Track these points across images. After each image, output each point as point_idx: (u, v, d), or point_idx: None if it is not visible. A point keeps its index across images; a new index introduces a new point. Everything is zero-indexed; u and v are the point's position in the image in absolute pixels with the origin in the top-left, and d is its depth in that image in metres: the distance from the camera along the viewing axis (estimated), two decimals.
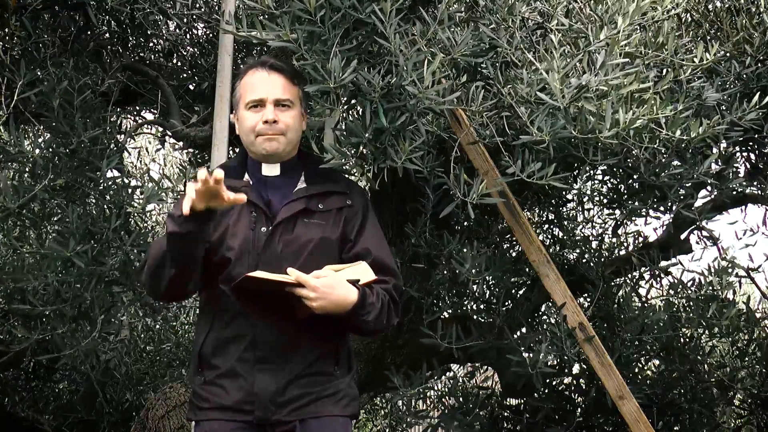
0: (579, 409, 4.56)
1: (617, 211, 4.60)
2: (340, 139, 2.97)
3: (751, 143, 4.14)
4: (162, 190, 3.93)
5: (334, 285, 2.65)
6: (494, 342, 4.00)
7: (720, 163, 3.83)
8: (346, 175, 3.03)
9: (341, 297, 2.65)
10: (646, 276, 4.72)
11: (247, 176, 2.84)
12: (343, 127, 3.05)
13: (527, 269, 4.37)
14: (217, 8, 4.76)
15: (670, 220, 4.32)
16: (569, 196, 4.84)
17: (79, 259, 3.72)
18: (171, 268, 2.65)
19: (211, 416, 2.75)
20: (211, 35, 5.01)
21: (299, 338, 2.73)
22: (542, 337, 3.70)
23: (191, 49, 5.04)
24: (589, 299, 4.55)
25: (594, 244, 4.80)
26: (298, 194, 2.81)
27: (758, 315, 4.76)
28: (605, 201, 4.55)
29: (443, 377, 5.08)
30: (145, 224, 4.41)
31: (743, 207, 4.49)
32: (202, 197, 2.53)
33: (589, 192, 4.79)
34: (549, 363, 3.74)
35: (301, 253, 2.74)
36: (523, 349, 3.77)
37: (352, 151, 2.94)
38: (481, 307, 4.48)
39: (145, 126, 5.26)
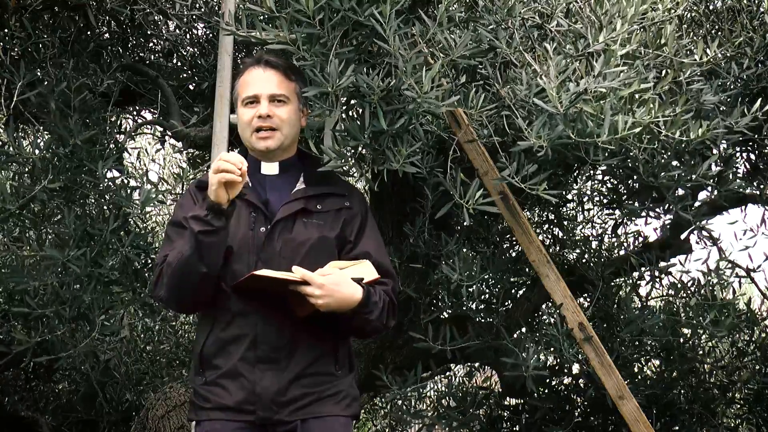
0: (578, 410, 4.56)
1: (617, 211, 4.59)
2: (339, 141, 2.97)
3: (750, 143, 4.13)
4: (160, 192, 3.92)
5: (339, 283, 2.67)
6: (491, 342, 3.99)
7: (719, 164, 3.82)
8: (346, 178, 3.04)
9: (347, 295, 2.67)
10: (646, 276, 4.71)
11: (246, 177, 2.85)
12: (342, 128, 3.05)
13: (527, 269, 4.37)
14: (217, 8, 4.75)
15: (670, 221, 4.31)
16: (569, 196, 4.83)
17: (76, 263, 3.71)
18: (202, 268, 2.66)
19: (212, 416, 2.76)
20: (211, 35, 5.00)
21: (299, 337, 2.74)
22: (538, 338, 3.69)
23: (191, 49, 5.02)
24: (589, 299, 4.54)
25: (594, 244, 4.79)
26: (296, 195, 2.82)
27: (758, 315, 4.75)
28: (605, 201, 4.55)
29: (442, 377, 5.07)
30: (145, 225, 4.40)
31: (743, 207, 4.48)
32: (230, 186, 2.62)
33: (589, 192, 4.79)
34: (548, 364, 3.72)
35: (299, 252, 2.75)
36: (518, 350, 3.76)
37: (351, 153, 2.94)
38: (481, 307, 4.47)
39: (145, 126, 5.25)
